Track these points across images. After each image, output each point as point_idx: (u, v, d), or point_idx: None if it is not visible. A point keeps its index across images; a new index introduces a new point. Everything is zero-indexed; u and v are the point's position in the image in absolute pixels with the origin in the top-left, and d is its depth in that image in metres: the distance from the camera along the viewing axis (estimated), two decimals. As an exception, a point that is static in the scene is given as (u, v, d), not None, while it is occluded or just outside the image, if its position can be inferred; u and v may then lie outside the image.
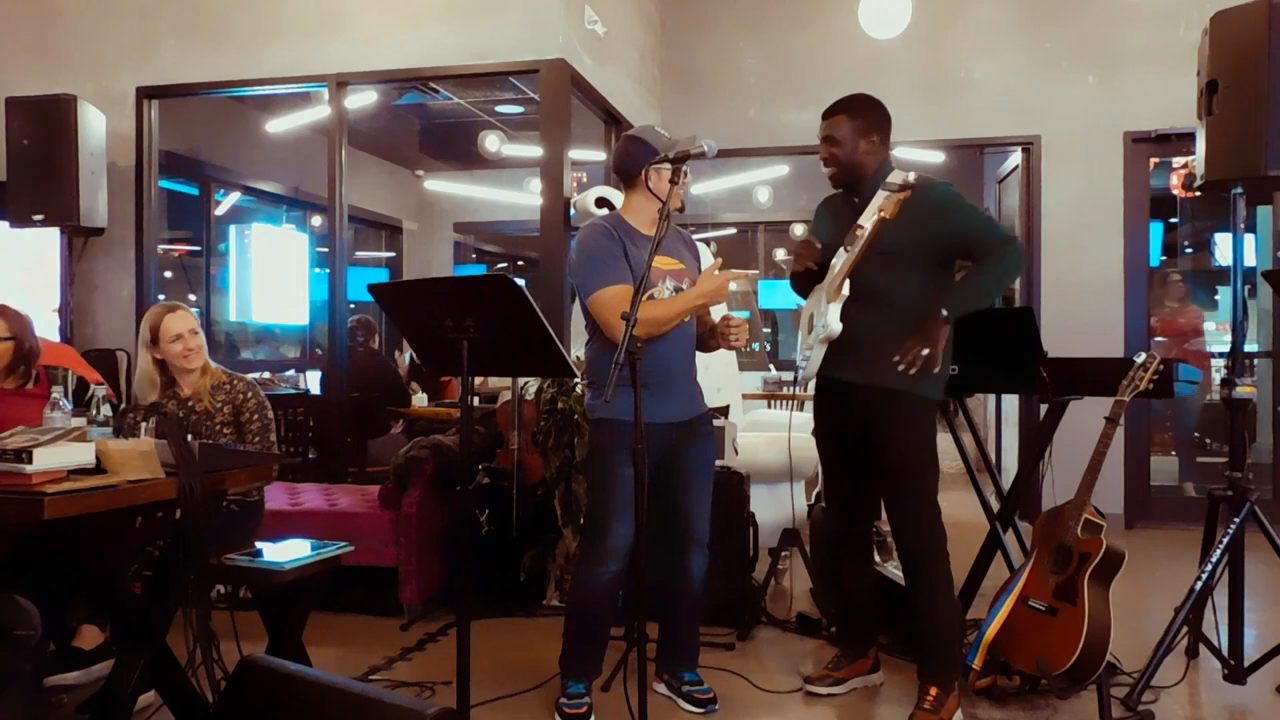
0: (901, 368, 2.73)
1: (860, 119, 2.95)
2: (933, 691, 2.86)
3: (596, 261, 2.89)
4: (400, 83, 5.57)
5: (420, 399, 6.37)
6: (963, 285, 2.88)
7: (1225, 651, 3.16)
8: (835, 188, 3.08)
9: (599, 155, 6.07)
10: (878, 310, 2.87)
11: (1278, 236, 6.05)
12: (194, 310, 3.74)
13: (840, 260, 2.90)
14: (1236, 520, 3.06)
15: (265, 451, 3.26)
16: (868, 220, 2.84)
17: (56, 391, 2.61)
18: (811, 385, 3.14)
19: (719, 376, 5.05)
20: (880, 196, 2.81)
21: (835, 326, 2.87)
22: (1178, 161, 6.26)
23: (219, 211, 7.52)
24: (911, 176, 2.80)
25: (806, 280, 3.09)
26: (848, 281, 2.86)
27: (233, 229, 7.76)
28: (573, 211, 4.85)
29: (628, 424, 2.51)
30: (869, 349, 2.84)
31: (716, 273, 2.89)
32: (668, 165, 2.78)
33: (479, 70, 4.99)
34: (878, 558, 3.54)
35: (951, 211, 2.87)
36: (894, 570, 3.45)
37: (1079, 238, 5.91)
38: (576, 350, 4.77)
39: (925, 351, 2.72)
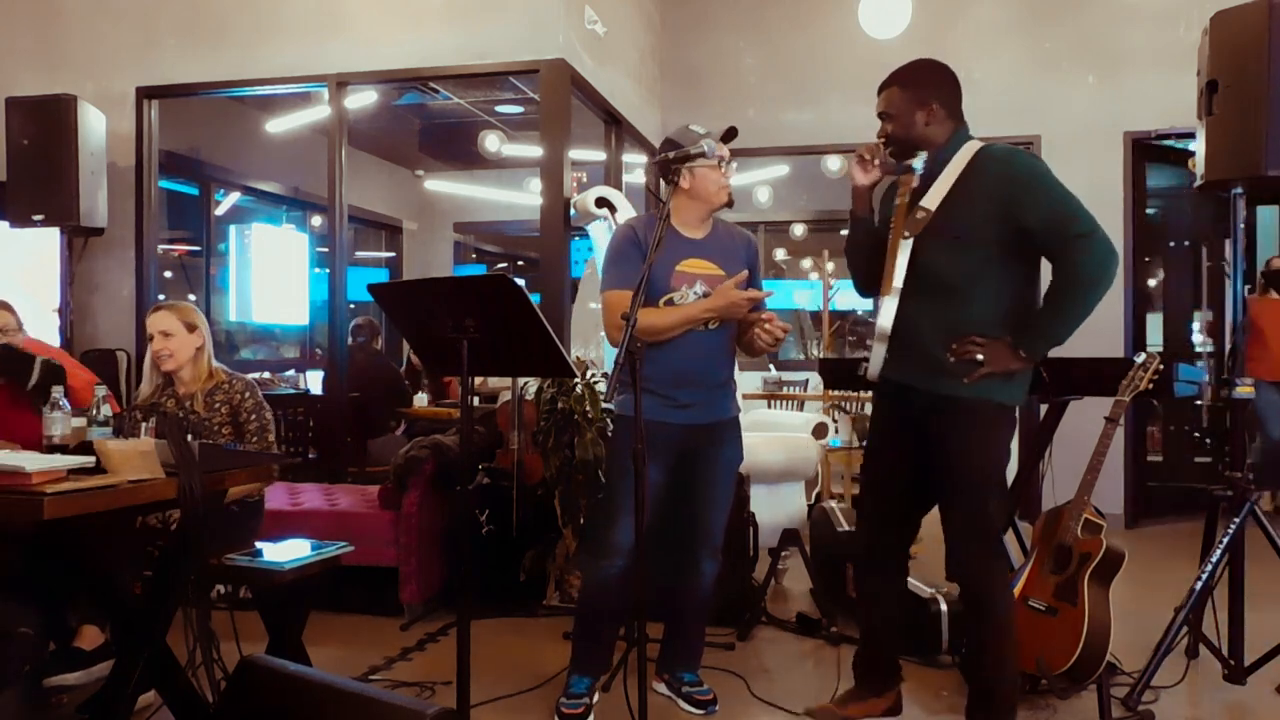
0: (953, 360, 2.51)
1: (914, 88, 2.61)
2: None
3: (611, 261, 2.93)
4: (400, 83, 5.57)
5: (420, 399, 6.37)
6: (1042, 317, 2.52)
7: (1225, 651, 3.16)
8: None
9: (599, 155, 6.07)
10: (944, 304, 2.55)
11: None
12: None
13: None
14: (1236, 520, 3.06)
15: (265, 452, 3.26)
16: (932, 201, 2.56)
17: (56, 392, 2.61)
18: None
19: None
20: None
21: (883, 323, 2.61)
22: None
23: (219, 211, 7.52)
24: (975, 149, 2.57)
25: (865, 249, 2.71)
26: (900, 272, 2.57)
27: (233, 229, 7.76)
28: (573, 211, 4.85)
29: (643, 422, 2.51)
30: (933, 349, 2.55)
31: (734, 289, 2.74)
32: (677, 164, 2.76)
33: (479, 70, 4.99)
34: None
35: (1027, 189, 2.46)
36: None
37: (1079, 238, 5.89)
38: (577, 350, 4.76)
39: (980, 358, 2.49)
